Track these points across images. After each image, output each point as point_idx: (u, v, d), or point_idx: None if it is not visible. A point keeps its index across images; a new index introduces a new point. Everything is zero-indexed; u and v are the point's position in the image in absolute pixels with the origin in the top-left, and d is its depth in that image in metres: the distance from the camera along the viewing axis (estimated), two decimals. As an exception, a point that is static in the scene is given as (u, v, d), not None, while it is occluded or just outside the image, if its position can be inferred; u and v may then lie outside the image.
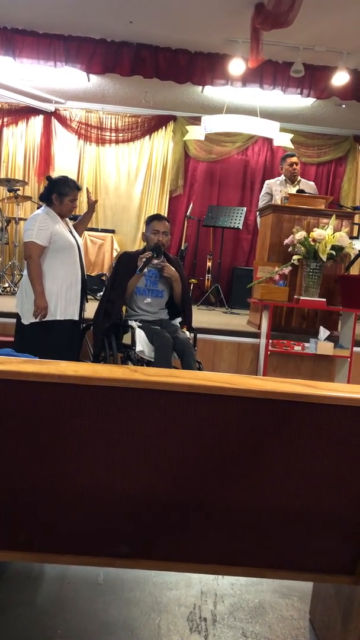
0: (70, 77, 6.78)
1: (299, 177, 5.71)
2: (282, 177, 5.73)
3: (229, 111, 7.10)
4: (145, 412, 1.47)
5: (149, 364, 3.46)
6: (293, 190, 5.37)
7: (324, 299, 4.43)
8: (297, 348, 4.43)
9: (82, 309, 3.77)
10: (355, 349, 4.48)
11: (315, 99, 6.69)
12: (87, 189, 4.42)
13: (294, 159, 5.65)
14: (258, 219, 5.87)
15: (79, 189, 3.68)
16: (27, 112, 8.18)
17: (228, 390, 1.42)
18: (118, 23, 5.64)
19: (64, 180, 3.63)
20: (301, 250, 4.31)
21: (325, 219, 4.67)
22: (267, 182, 5.95)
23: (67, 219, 3.77)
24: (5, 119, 8.18)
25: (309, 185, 5.69)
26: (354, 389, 1.52)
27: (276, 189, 5.70)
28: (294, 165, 5.60)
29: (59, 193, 3.57)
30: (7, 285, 6.39)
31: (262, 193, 5.91)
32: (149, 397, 1.45)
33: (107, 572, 2.22)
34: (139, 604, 2.05)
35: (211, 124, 6.92)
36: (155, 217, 3.82)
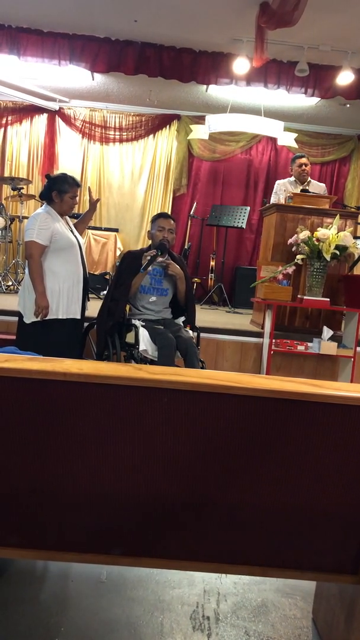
0: (74, 75, 6.79)
1: (309, 178, 5.68)
2: (293, 178, 5.71)
3: (233, 110, 7.10)
4: (149, 410, 1.47)
5: (152, 363, 3.46)
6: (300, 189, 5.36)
7: (328, 299, 4.42)
8: (301, 348, 4.43)
9: (84, 308, 3.77)
10: (358, 348, 4.48)
11: (319, 99, 6.68)
12: (89, 188, 4.41)
13: (303, 160, 5.59)
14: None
15: (78, 185, 3.68)
16: (31, 111, 8.19)
17: (233, 389, 1.42)
18: (122, 22, 5.64)
19: (64, 178, 3.63)
20: (305, 250, 4.30)
21: (329, 219, 4.67)
22: (277, 182, 5.92)
23: (68, 217, 3.77)
24: (9, 118, 8.19)
25: (319, 187, 5.65)
26: (358, 389, 1.51)
27: (284, 188, 5.67)
28: (303, 167, 5.56)
29: (58, 190, 3.57)
30: (10, 283, 6.40)
31: (273, 192, 5.88)
32: (154, 395, 1.45)
33: (110, 571, 2.22)
34: (142, 603, 2.06)
35: (215, 123, 6.91)
36: (161, 215, 3.83)
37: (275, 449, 1.52)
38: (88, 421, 1.48)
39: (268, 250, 4.95)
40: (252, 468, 1.56)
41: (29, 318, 3.55)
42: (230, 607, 2.08)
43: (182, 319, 3.86)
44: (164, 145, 8.36)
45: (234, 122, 6.93)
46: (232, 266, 8.20)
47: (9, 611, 1.94)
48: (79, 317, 3.70)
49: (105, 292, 4.52)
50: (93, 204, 3.97)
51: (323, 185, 5.85)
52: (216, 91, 6.96)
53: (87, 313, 3.85)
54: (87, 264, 3.84)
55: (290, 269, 4.39)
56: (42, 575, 2.19)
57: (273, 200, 5.74)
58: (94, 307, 3.94)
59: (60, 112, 8.23)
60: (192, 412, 1.47)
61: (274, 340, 4.40)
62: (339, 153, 8.40)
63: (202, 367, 3.57)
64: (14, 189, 6.61)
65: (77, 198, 3.71)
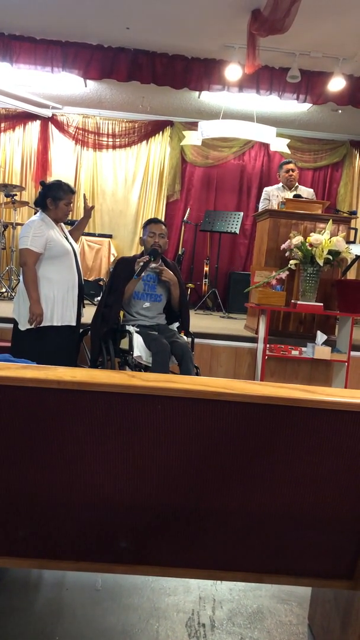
0: (67, 82, 6.80)
1: (297, 184, 5.72)
2: (281, 184, 5.75)
3: (226, 116, 7.13)
4: (143, 418, 1.47)
5: (146, 369, 3.46)
6: (290, 196, 5.38)
7: (321, 304, 4.43)
8: (295, 352, 4.44)
9: (79, 315, 3.77)
10: (352, 353, 4.49)
11: (311, 105, 6.72)
12: (84, 195, 4.42)
13: (290, 166, 5.65)
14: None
15: (73, 192, 3.68)
16: (24, 118, 8.19)
17: (226, 396, 1.43)
18: (115, 29, 5.66)
19: (58, 185, 3.63)
20: (298, 255, 4.32)
21: (322, 224, 4.69)
22: (265, 189, 5.96)
23: (63, 224, 3.77)
24: (2, 125, 8.19)
25: (307, 192, 5.69)
26: (351, 394, 1.52)
27: (274, 194, 5.71)
28: (290, 172, 5.61)
29: (53, 197, 3.57)
30: (4, 290, 6.39)
31: (261, 199, 5.93)
32: (147, 402, 1.45)
33: (106, 578, 2.21)
34: (138, 610, 2.05)
35: (208, 129, 6.94)
36: (152, 221, 3.83)
37: (269, 455, 1.52)
38: (82, 429, 1.48)
39: (261, 256, 4.96)
40: (247, 474, 1.56)
41: (24, 325, 3.54)
42: (226, 614, 2.08)
43: (177, 324, 3.87)
44: (157, 152, 8.37)
45: (227, 128, 6.96)
46: (226, 271, 8.22)
47: (3, 620, 1.93)
48: (74, 324, 3.69)
49: (99, 298, 4.52)
50: (88, 211, 3.98)
51: (311, 190, 5.89)
52: (209, 97, 6.99)
53: (82, 319, 3.85)
54: (81, 270, 3.83)
55: (283, 274, 4.40)
56: (37, 584, 2.18)
57: (262, 206, 5.77)
58: (88, 313, 3.93)
59: (53, 119, 8.24)
60: (186, 419, 1.47)
61: (268, 345, 4.41)
62: (332, 158, 8.44)
63: (197, 373, 3.57)
64: (7, 196, 6.60)
65: (72, 205, 3.71)
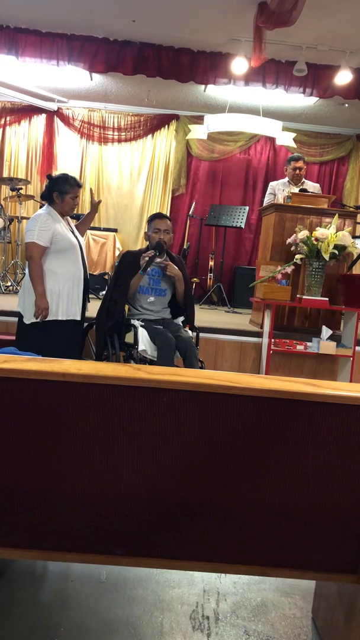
0: (73, 76, 6.79)
1: (304, 180, 5.67)
2: (286, 179, 5.70)
3: (232, 110, 7.10)
4: (148, 411, 1.47)
5: (151, 363, 3.46)
6: (296, 190, 5.35)
7: (327, 298, 4.42)
8: (300, 347, 4.44)
9: (84, 309, 3.77)
10: (357, 348, 4.48)
11: (318, 98, 6.68)
12: (90, 189, 4.42)
13: (299, 164, 5.52)
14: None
15: (79, 186, 3.68)
16: (29, 111, 8.18)
17: (232, 389, 1.42)
18: (121, 22, 5.64)
19: (65, 178, 3.63)
20: (304, 250, 4.31)
21: (327, 218, 4.67)
22: (270, 184, 5.92)
23: (70, 218, 3.77)
24: (8, 118, 8.19)
25: (314, 187, 5.65)
26: (357, 388, 1.52)
27: (279, 188, 5.68)
28: (297, 170, 5.53)
29: (59, 191, 3.57)
30: (9, 284, 6.40)
31: (266, 194, 5.90)
32: (153, 395, 1.45)
33: (110, 570, 2.22)
34: (142, 602, 2.06)
35: (214, 123, 6.92)
36: (157, 216, 3.83)
37: (274, 449, 1.52)
38: (87, 422, 1.49)
39: (267, 250, 4.95)
40: (252, 468, 1.56)
41: (29, 319, 3.55)
42: (230, 607, 2.09)
43: (182, 318, 3.87)
44: (163, 146, 8.36)
45: (233, 122, 6.92)
46: (231, 266, 8.21)
47: (8, 611, 1.94)
48: (79, 318, 3.70)
49: (104, 292, 4.52)
50: (94, 205, 3.97)
51: (317, 185, 5.85)
52: (214, 91, 6.96)
53: (87, 313, 3.85)
54: (87, 264, 3.84)
55: (289, 269, 4.39)
56: (42, 575, 2.19)
57: (267, 201, 5.74)
58: (93, 307, 3.94)
59: (58, 113, 8.22)
60: (191, 412, 1.47)
61: (273, 340, 4.40)
62: (338, 152, 8.40)
63: (201, 367, 3.57)
64: (12, 190, 6.61)
65: (78, 199, 3.71)
